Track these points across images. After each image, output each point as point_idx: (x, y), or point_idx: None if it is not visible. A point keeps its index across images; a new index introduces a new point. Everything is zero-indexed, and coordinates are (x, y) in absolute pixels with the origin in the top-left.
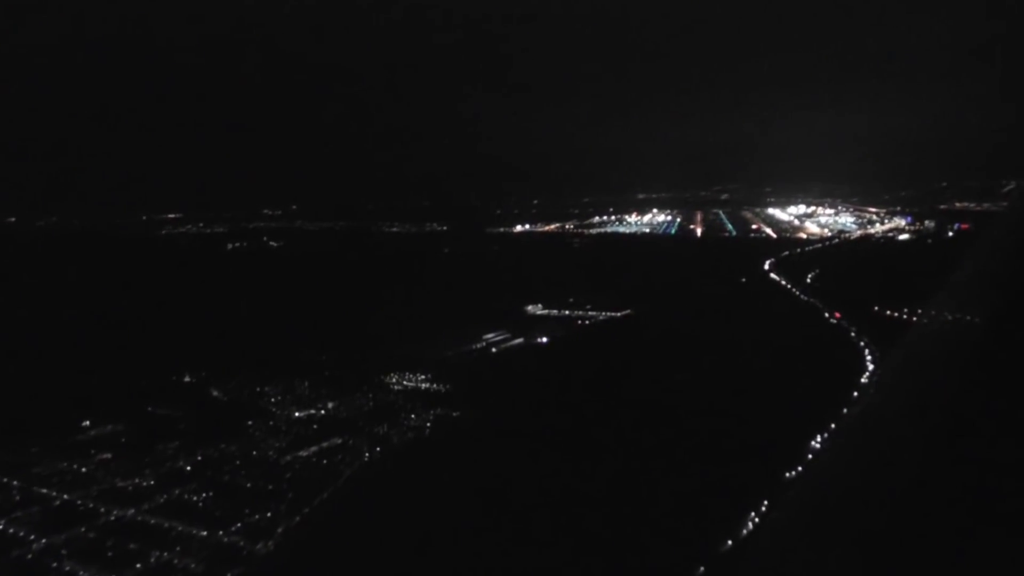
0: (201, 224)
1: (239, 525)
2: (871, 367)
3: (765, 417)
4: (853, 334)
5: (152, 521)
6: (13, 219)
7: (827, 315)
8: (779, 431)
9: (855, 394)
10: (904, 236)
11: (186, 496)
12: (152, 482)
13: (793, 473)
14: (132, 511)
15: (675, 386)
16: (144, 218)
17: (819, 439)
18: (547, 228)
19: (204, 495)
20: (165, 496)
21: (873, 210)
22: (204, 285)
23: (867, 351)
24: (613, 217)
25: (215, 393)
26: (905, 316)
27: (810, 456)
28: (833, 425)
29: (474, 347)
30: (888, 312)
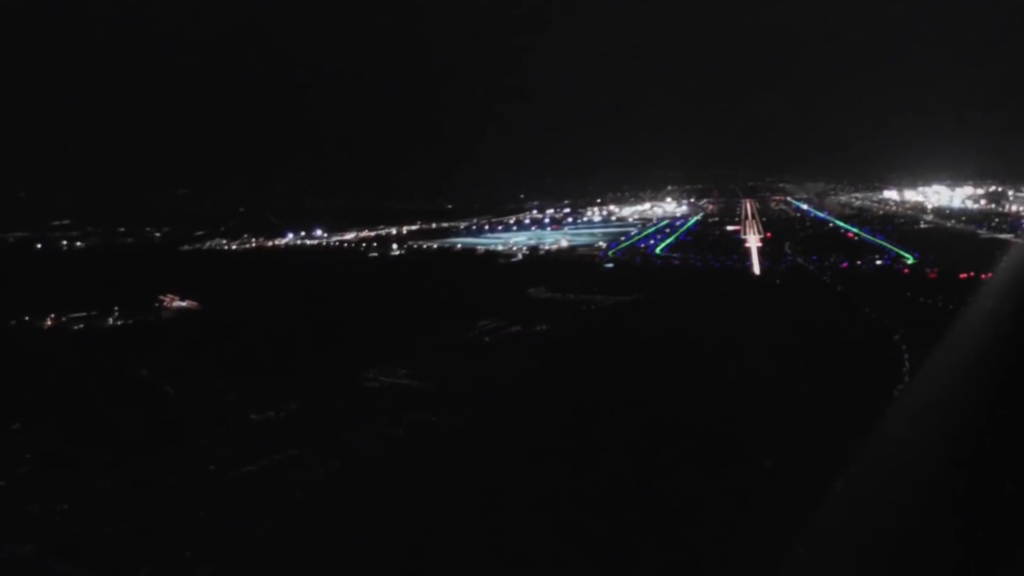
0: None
1: None
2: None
3: (781, 433)
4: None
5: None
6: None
7: (859, 303)
8: (793, 454)
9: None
10: (928, 217)
11: (84, 532)
12: (49, 509)
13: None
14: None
15: (686, 388)
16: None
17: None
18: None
19: (108, 529)
20: (57, 534)
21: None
22: (182, 262)
23: (904, 348)
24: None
25: (169, 390)
26: (940, 304)
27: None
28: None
29: (467, 335)
30: (922, 299)
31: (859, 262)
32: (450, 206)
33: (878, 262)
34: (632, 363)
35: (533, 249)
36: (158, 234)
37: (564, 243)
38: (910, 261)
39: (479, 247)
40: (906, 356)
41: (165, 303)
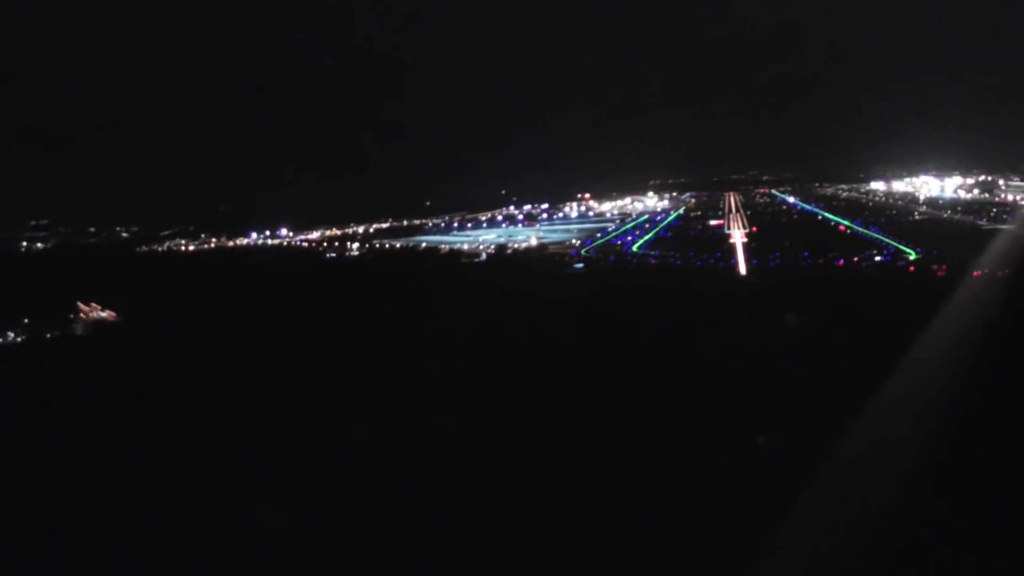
0: None
1: None
2: None
3: None
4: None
5: None
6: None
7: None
8: None
9: None
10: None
11: None
12: None
13: None
14: None
15: None
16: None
17: None
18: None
19: None
20: None
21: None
22: (129, 265)
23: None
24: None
25: None
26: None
27: None
28: None
29: None
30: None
31: (856, 258)
32: (429, 203)
33: (877, 258)
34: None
35: (500, 248)
36: (125, 234)
37: (534, 241)
38: (912, 257)
39: (444, 246)
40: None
41: (83, 314)
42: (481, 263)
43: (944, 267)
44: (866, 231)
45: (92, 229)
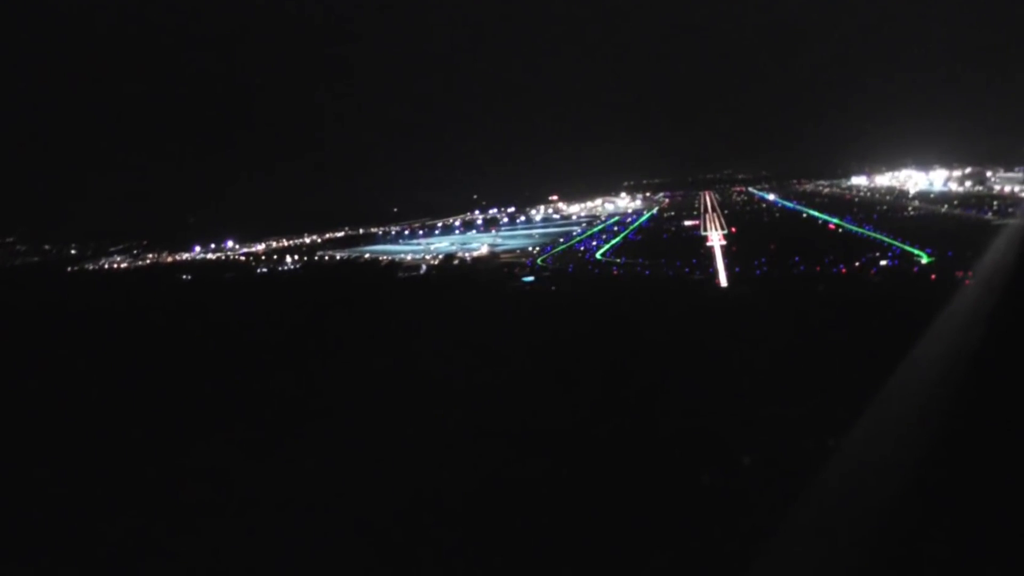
0: None
1: None
2: None
3: None
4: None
5: None
6: None
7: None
8: None
9: None
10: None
11: None
12: None
13: None
14: None
15: None
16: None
17: None
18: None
19: None
20: None
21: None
22: (36, 288)
23: None
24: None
25: None
26: None
27: None
28: None
29: None
30: None
31: (858, 263)
32: (396, 209)
33: (883, 262)
34: None
35: (448, 258)
36: (74, 251)
37: (485, 250)
38: (925, 260)
39: (387, 256)
40: None
41: None
42: (417, 277)
43: (971, 273)
44: (860, 230)
45: (47, 247)
